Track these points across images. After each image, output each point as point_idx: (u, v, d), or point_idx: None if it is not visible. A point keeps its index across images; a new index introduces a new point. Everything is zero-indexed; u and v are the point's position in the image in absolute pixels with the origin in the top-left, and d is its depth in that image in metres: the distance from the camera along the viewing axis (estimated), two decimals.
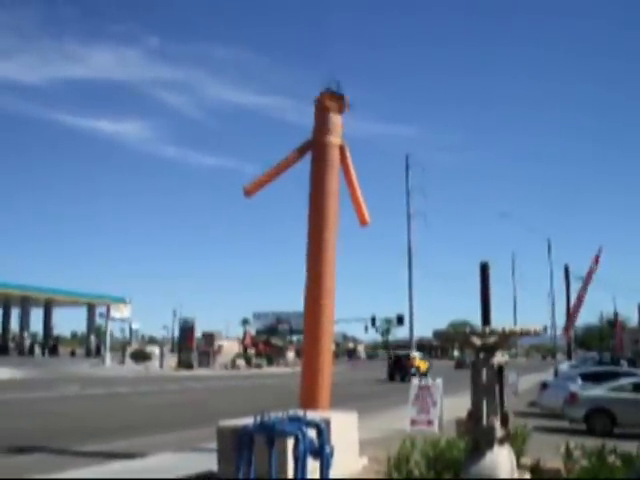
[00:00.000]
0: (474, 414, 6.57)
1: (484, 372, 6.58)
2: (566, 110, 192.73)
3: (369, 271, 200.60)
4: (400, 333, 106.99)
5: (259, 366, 69.50)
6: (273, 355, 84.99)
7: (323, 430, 7.17)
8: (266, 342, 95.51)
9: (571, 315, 22.19)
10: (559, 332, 44.84)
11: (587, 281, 22.52)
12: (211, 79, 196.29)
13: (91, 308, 69.24)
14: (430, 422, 15.95)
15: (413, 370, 46.54)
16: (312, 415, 7.75)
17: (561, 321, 40.89)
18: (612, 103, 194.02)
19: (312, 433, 7.00)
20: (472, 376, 6.85)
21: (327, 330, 11.23)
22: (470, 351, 7.12)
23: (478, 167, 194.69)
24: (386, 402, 23.97)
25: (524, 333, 6.96)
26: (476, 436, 6.50)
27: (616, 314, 52.22)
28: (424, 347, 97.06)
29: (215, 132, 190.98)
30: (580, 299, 22.56)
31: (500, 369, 6.88)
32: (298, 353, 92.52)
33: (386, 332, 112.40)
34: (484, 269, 7.34)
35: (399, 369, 47.46)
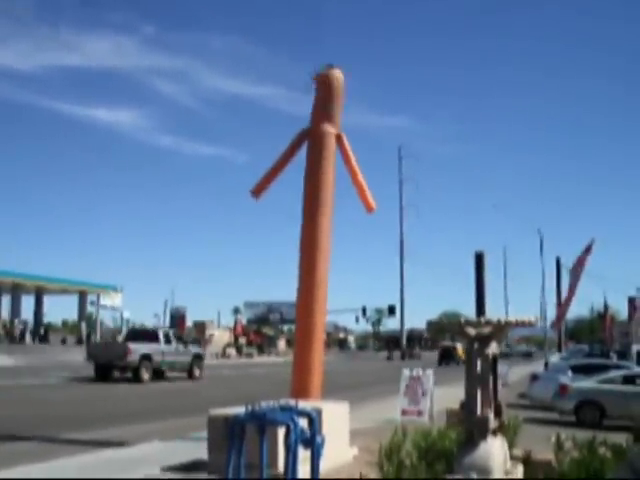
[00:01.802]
0: (468, 404, 6.56)
1: (478, 362, 6.57)
2: (565, 102, 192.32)
3: (361, 261, 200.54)
4: (391, 323, 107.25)
5: (250, 355, 69.52)
6: (264, 344, 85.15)
7: (314, 419, 7.14)
8: (257, 331, 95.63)
9: (561, 306, 22.18)
10: (549, 323, 45.03)
11: (577, 272, 22.53)
12: (207, 68, 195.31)
13: (82, 296, 69.12)
14: (420, 412, 16.01)
15: (457, 358, 55.90)
16: (303, 404, 7.73)
17: (552, 313, 41.00)
18: (612, 96, 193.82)
19: (303, 422, 6.98)
20: (466, 366, 6.84)
21: (319, 321, 11.21)
22: (464, 342, 7.10)
23: (474, 158, 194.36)
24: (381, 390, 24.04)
25: (519, 324, 6.96)
26: (469, 427, 6.49)
27: (606, 307, 52.49)
28: (414, 337, 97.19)
29: (210, 121, 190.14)
30: (571, 290, 22.56)
31: (494, 360, 6.87)
32: (289, 343, 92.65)
33: (377, 322, 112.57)
34: (479, 259, 7.35)
35: (446, 357, 58.64)
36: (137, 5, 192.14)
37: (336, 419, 9.96)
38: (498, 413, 6.78)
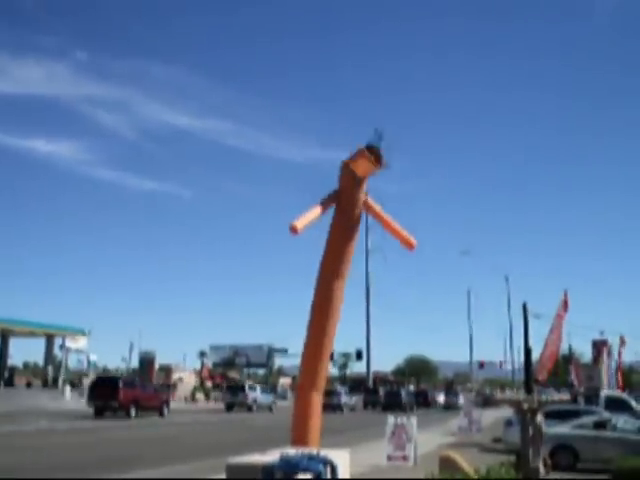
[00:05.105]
0: (524, 458, 8.02)
1: (530, 428, 8.24)
2: (522, 131, 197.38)
3: None
4: (357, 367, 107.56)
5: (218, 399, 69.27)
6: None
7: (335, 467, 7.91)
8: (223, 375, 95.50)
9: (542, 360, 23.06)
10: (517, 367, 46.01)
11: (558, 326, 23.51)
12: (146, 98, 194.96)
13: (49, 339, 68.65)
14: (405, 457, 16.75)
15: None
16: (324, 453, 8.45)
17: (517, 356, 41.54)
18: (574, 122, 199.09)
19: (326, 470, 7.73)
20: (521, 429, 9.30)
21: (322, 379, 11.83)
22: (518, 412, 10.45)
23: (424, 194, 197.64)
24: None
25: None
26: (525, 474, 7.83)
27: (572, 351, 53.95)
28: (379, 381, 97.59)
29: (152, 155, 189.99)
30: (554, 345, 23.46)
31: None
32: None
33: (343, 366, 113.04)
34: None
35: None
36: (68, 29, 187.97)
37: (339, 466, 10.64)
38: (545, 464, 9.26)
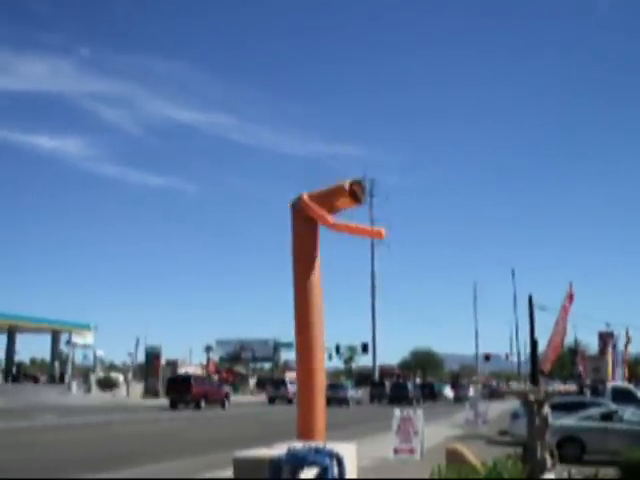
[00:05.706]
0: (530, 450, 8.07)
1: (537, 419, 8.24)
2: (524, 125, 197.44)
3: (332, 298, 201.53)
4: (363, 360, 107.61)
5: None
6: (237, 383, 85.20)
7: (342, 460, 7.90)
8: (229, 369, 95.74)
9: (547, 352, 23.05)
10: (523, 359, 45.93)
11: (563, 318, 23.47)
12: (149, 93, 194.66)
13: (56, 335, 68.77)
14: (412, 450, 16.75)
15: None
16: (330, 446, 8.44)
17: (523, 348, 41.47)
18: (578, 117, 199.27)
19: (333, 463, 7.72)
20: (527, 421, 9.27)
21: (319, 364, 11.81)
22: (525, 403, 10.15)
23: (426, 187, 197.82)
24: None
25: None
26: (532, 466, 7.87)
27: (578, 343, 53.91)
28: (385, 374, 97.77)
29: (156, 150, 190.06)
30: (558, 336, 23.41)
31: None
32: (259, 382, 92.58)
33: (349, 360, 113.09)
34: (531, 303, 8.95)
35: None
36: (71, 25, 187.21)
37: (346, 459, 10.63)
38: (552, 455, 9.13)
